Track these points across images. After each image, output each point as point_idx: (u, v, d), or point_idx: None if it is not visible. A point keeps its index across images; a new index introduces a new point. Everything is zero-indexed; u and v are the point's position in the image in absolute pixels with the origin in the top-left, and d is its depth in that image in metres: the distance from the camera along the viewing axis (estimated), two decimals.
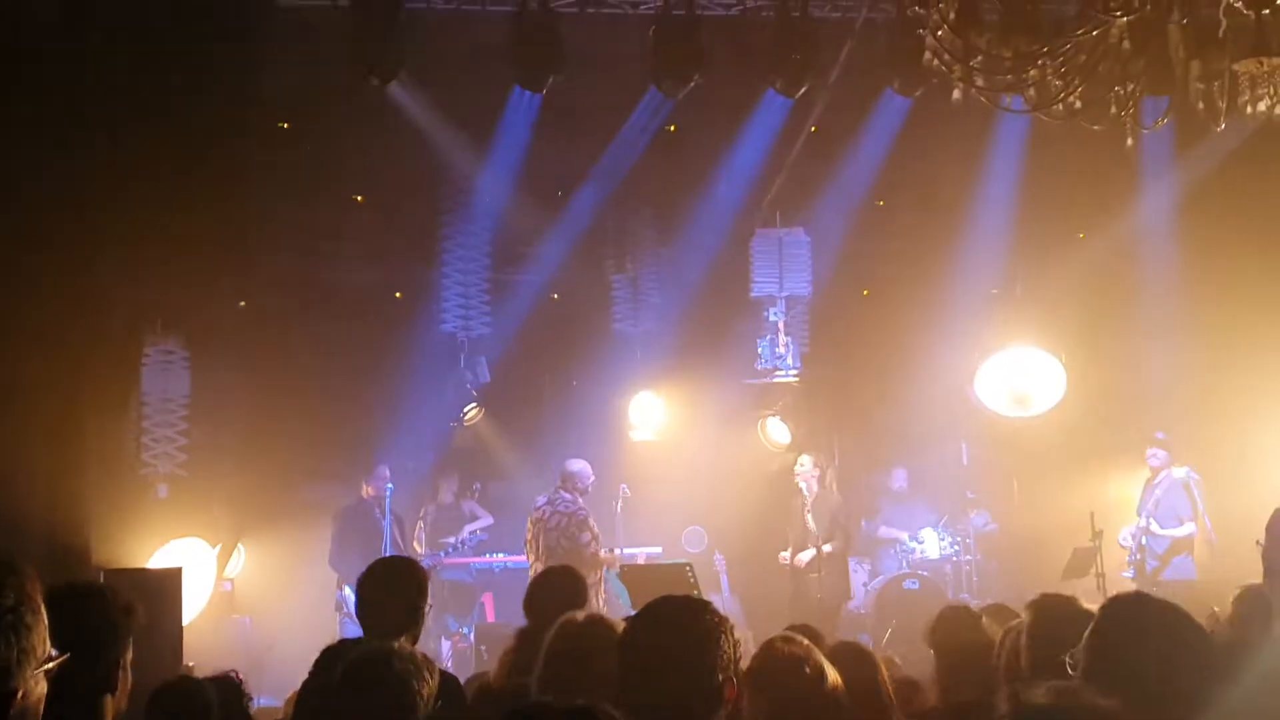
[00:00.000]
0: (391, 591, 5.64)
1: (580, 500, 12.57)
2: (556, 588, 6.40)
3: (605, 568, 12.46)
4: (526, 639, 5.72)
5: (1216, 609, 5.57)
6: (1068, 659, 3.82)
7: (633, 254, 15.97)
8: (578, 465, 12.80)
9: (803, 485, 13.80)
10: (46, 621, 2.71)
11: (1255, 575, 5.11)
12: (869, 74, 13.09)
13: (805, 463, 13.94)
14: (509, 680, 5.59)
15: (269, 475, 13.28)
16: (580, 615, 4.94)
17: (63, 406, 9.36)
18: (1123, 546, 13.48)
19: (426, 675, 4.21)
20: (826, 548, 13.54)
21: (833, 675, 4.26)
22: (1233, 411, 14.12)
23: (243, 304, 13.63)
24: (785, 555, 13.87)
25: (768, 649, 4.39)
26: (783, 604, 13.44)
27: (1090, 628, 3.75)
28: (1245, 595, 5.79)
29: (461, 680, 6.05)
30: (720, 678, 3.68)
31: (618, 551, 13.10)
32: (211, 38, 10.57)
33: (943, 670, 5.86)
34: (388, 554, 12.65)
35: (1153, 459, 13.80)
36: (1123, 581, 12.71)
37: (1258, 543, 5.03)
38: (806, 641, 4.45)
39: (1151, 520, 13.53)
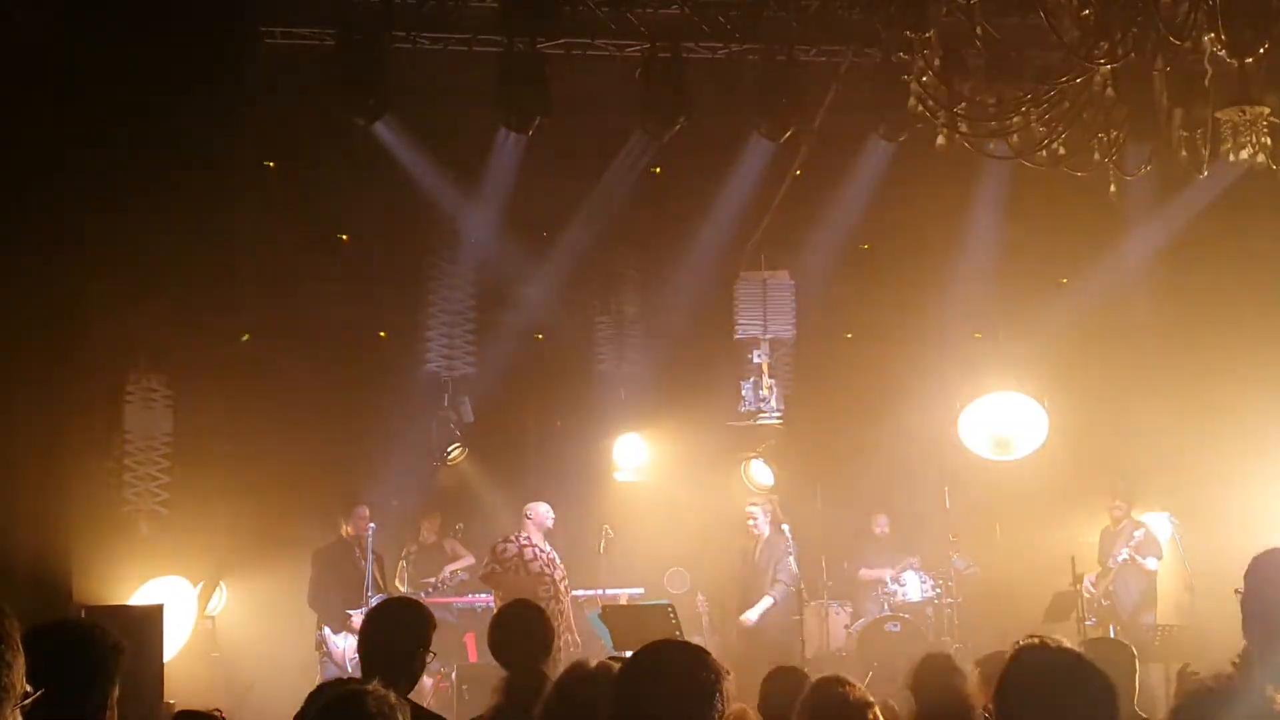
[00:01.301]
0: (398, 633, 5.63)
1: (523, 535, 12.64)
2: (511, 619, 6.40)
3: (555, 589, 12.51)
4: (510, 687, 5.72)
5: (1238, 659, 5.41)
6: (983, 710, 3.85)
7: (617, 295, 16.01)
8: (531, 504, 13.00)
9: (763, 528, 13.73)
10: (24, 658, 2.72)
11: (1234, 621, 5.08)
12: (854, 118, 13.19)
13: (756, 513, 13.90)
14: None
15: (251, 513, 13.18)
16: (592, 663, 4.90)
17: (45, 443, 9.32)
18: (1087, 595, 13.52)
19: (399, 717, 4.18)
20: (768, 601, 13.42)
21: None
22: (1214, 456, 14.12)
23: (246, 338, 13.67)
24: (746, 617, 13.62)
25: (830, 694, 4.36)
26: (764, 649, 13.32)
27: (999, 679, 3.77)
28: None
29: None
30: None
31: (577, 594, 13.19)
32: (197, 76, 10.58)
33: (922, 715, 5.87)
34: (369, 594, 12.62)
35: (1116, 511, 14.18)
36: (1089, 628, 12.78)
37: (1236, 591, 5.00)
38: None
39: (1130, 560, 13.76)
